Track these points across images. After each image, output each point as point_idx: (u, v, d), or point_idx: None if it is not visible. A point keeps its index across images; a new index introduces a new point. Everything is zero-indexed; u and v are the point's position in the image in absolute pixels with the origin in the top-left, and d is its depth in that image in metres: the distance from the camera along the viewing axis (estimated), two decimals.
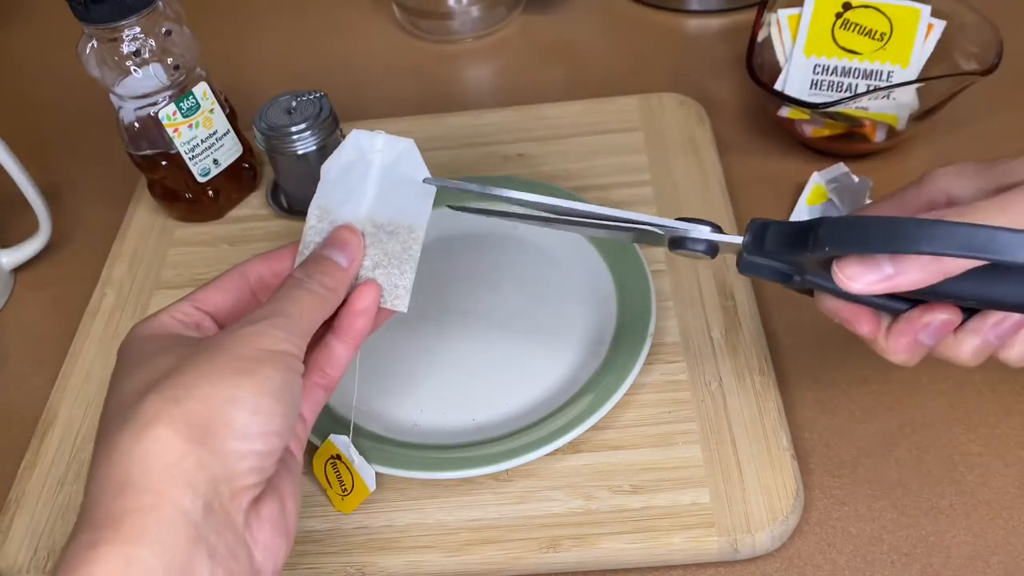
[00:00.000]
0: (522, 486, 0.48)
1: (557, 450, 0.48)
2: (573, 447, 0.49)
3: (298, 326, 0.36)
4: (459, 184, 0.41)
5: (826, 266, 0.36)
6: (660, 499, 0.46)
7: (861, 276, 0.35)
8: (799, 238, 0.36)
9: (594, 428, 0.49)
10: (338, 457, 0.47)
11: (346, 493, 0.47)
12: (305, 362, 0.37)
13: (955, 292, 0.36)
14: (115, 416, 0.32)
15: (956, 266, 0.34)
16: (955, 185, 0.38)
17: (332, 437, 0.47)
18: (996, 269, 0.34)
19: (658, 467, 0.48)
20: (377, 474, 0.47)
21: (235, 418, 0.32)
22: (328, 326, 0.39)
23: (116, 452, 0.31)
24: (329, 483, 0.47)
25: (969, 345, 0.37)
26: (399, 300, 0.40)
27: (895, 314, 0.39)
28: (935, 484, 0.47)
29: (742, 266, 0.39)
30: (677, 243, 0.39)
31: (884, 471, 0.48)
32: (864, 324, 0.39)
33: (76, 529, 0.31)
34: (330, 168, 0.41)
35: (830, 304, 0.39)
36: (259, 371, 0.33)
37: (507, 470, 0.48)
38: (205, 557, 0.30)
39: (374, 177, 0.41)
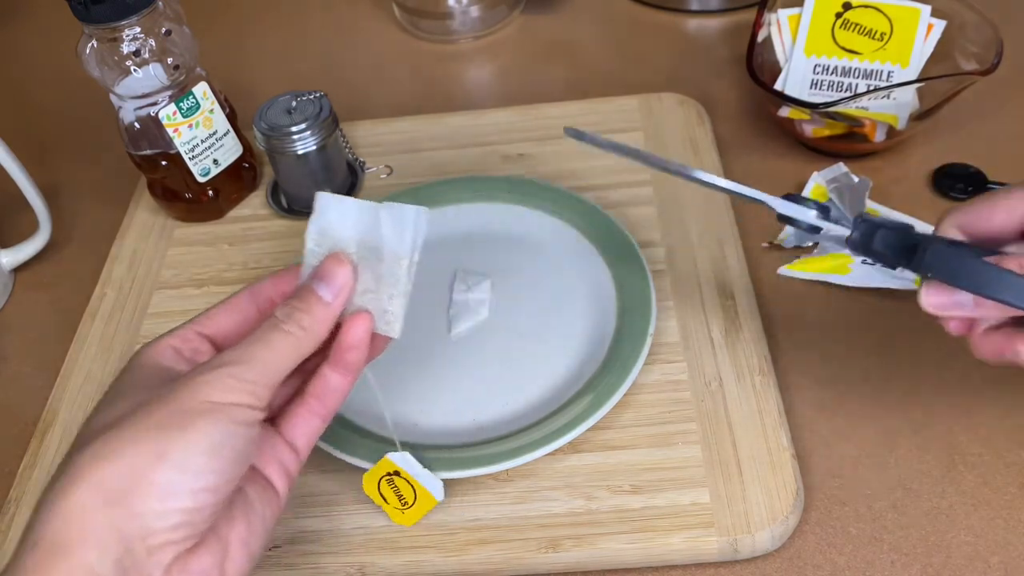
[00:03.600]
0: (522, 486, 0.48)
1: (557, 450, 0.48)
2: (573, 447, 0.49)
3: (261, 374, 0.35)
4: (596, 138, 0.41)
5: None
6: (660, 499, 0.46)
7: (941, 300, 0.38)
8: (905, 252, 0.39)
9: (594, 428, 0.49)
10: (396, 473, 0.46)
11: (407, 507, 0.46)
12: (302, 391, 0.39)
13: None
14: (75, 449, 0.34)
15: None
16: None
17: (389, 455, 0.47)
18: None
19: (658, 467, 0.48)
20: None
21: (159, 477, 0.32)
22: (324, 355, 0.39)
23: (48, 498, 0.32)
24: (385, 499, 0.47)
25: None
26: (390, 327, 0.39)
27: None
28: (935, 484, 0.47)
29: (851, 245, 0.42)
30: (785, 219, 0.44)
31: (884, 471, 0.48)
32: (954, 323, 0.40)
33: (16, 550, 0.32)
34: (323, 193, 0.41)
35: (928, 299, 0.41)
36: (195, 427, 0.33)
37: (507, 470, 0.48)
38: None
39: (369, 201, 0.40)
